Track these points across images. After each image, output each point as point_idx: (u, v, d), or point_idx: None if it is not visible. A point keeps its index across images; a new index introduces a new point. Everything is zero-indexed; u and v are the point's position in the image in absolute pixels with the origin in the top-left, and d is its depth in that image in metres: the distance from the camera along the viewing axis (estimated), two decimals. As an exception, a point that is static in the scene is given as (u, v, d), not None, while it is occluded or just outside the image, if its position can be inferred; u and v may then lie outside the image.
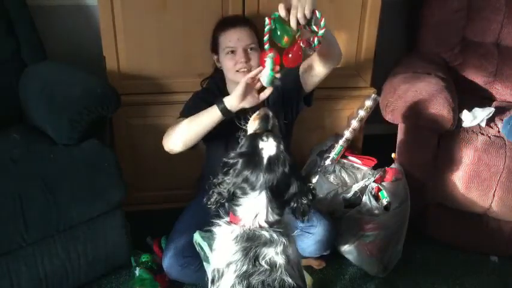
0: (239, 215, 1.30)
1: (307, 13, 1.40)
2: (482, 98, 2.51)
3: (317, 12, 1.43)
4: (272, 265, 1.26)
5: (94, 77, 1.98)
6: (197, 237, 1.72)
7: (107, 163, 1.85)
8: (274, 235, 1.27)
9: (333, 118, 2.42)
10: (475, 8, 2.54)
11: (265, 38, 1.47)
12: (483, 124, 2.24)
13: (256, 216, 1.28)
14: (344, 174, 2.29)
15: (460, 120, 2.21)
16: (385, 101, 2.22)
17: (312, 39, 1.47)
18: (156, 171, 2.31)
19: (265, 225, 1.28)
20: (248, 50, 1.85)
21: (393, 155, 2.32)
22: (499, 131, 2.21)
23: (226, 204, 1.32)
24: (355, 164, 2.33)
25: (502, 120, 2.24)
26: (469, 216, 2.21)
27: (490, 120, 2.27)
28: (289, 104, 1.94)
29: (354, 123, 2.26)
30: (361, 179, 2.26)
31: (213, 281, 1.33)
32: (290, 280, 1.27)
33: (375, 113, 2.29)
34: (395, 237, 2.11)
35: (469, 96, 2.44)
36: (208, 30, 1.99)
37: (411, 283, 2.11)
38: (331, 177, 2.27)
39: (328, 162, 2.28)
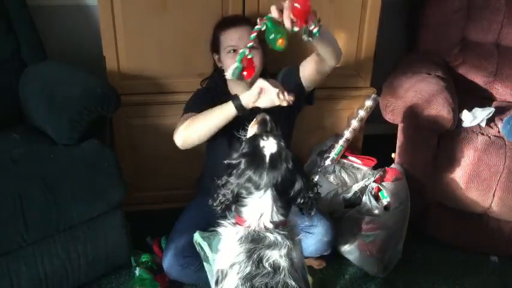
0: (244, 216, 1.30)
1: None
2: (482, 98, 2.51)
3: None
4: (276, 268, 1.26)
5: (94, 77, 1.98)
6: (197, 237, 1.72)
7: (107, 163, 1.85)
8: (279, 237, 1.27)
9: (333, 118, 2.42)
10: (475, 8, 2.54)
11: (252, 36, 1.44)
12: (483, 124, 2.24)
13: (261, 216, 1.28)
14: (344, 174, 2.29)
15: (460, 120, 2.21)
16: (385, 101, 2.22)
17: (311, 28, 1.44)
18: (156, 171, 2.31)
19: (270, 225, 1.28)
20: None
21: (393, 155, 2.32)
22: (499, 131, 2.21)
23: (233, 206, 1.32)
24: (355, 164, 2.34)
25: (502, 120, 2.24)
26: (469, 216, 2.21)
27: (490, 120, 2.27)
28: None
29: (354, 123, 2.26)
30: (361, 179, 2.26)
31: (216, 282, 1.33)
32: (293, 283, 1.26)
33: (375, 113, 2.29)
34: (395, 237, 2.11)
35: (469, 96, 2.44)
36: (208, 30, 1.99)
37: (411, 283, 2.11)
38: (331, 177, 2.27)
39: (328, 162, 2.28)
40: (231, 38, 1.86)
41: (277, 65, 1.98)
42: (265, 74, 1.89)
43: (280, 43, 1.40)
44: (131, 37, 2.07)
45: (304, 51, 1.89)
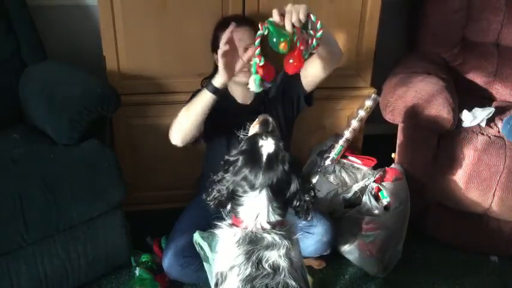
0: (241, 217, 1.30)
1: (302, 17, 1.38)
2: (482, 98, 2.51)
3: (312, 15, 1.41)
4: (275, 268, 1.26)
5: (94, 77, 1.98)
6: (197, 237, 1.72)
7: (107, 163, 1.85)
8: (277, 238, 1.27)
9: (333, 118, 2.42)
10: (475, 8, 2.54)
11: (256, 42, 1.44)
12: (483, 124, 2.24)
13: (257, 216, 1.27)
14: (344, 174, 2.29)
15: (460, 120, 2.21)
16: (385, 101, 2.22)
17: (310, 41, 1.46)
18: (156, 171, 2.31)
19: (267, 226, 1.28)
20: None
21: (393, 155, 2.32)
22: (499, 131, 2.21)
23: (229, 205, 1.32)
24: (355, 164, 2.34)
25: (502, 120, 2.24)
26: (469, 216, 2.21)
27: (490, 120, 2.27)
28: (290, 102, 1.95)
29: (354, 123, 2.26)
30: (361, 179, 2.26)
31: (216, 285, 1.33)
32: (294, 283, 1.26)
33: (375, 113, 2.29)
34: (395, 237, 2.11)
35: (469, 96, 2.44)
36: (208, 30, 1.99)
37: (411, 283, 2.11)
38: (331, 177, 2.27)
39: (328, 162, 2.28)
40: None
41: (277, 65, 1.97)
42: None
43: (283, 46, 1.40)
44: (131, 37, 2.08)
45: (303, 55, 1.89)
